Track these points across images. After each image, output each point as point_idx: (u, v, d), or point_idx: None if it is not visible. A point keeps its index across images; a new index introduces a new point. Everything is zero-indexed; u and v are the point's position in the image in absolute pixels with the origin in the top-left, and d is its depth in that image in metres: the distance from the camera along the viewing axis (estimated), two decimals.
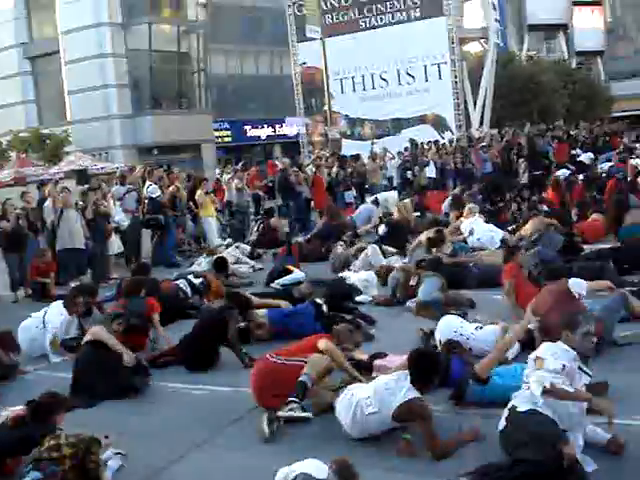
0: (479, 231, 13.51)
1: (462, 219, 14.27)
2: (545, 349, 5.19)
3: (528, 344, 6.95)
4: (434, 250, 11.74)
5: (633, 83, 61.07)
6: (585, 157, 24.04)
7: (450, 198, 17.02)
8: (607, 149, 27.24)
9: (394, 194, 19.41)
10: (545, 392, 4.92)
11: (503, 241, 12.81)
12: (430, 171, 22.30)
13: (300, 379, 6.01)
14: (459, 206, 15.51)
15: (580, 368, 5.16)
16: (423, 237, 12.52)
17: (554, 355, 5.05)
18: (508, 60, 41.00)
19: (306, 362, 6.14)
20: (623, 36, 67.53)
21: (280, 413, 5.93)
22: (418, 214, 16.54)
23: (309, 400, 6.18)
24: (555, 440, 4.72)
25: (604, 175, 18.85)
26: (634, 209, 12.90)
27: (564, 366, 4.97)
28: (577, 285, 7.58)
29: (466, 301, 9.32)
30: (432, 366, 5.56)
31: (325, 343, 6.25)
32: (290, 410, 5.93)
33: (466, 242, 13.34)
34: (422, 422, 5.30)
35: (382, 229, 14.73)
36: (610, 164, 21.44)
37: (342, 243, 13.84)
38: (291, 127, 47.24)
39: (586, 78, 50.34)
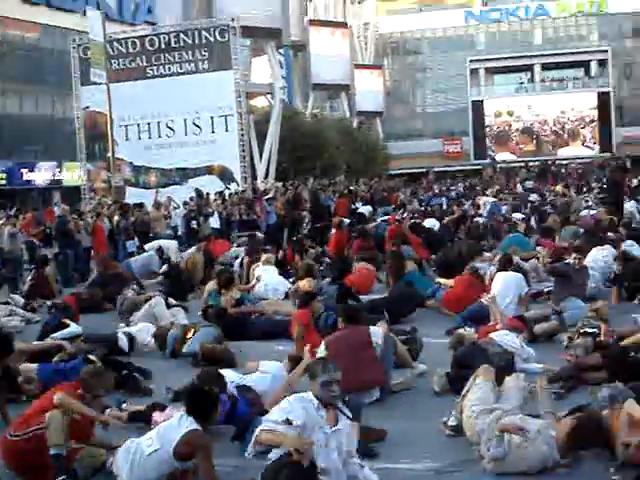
0: (268, 280, 13.59)
1: (259, 264, 14.30)
2: (284, 401, 5.45)
3: None
4: (223, 291, 11.66)
5: (408, 143, 66.18)
6: (364, 209, 25.14)
7: (247, 245, 17.21)
8: (385, 204, 28.76)
9: (174, 243, 19.15)
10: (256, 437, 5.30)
11: (287, 293, 13.00)
12: (214, 221, 22.31)
13: (52, 453, 5.56)
14: (255, 252, 15.57)
15: (340, 410, 5.37)
16: (212, 283, 12.44)
17: (284, 409, 5.30)
18: (293, 116, 42.42)
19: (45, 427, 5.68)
20: (400, 99, 72.71)
21: None
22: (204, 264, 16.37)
23: (79, 462, 5.77)
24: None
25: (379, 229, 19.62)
26: (407, 260, 13.57)
27: (288, 420, 5.18)
28: (375, 334, 7.66)
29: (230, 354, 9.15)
30: (208, 400, 5.58)
31: (58, 397, 5.79)
32: None
33: (250, 292, 13.37)
34: (201, 454, 5.25)
35: (164, 268, 14.78)
36: (386, 217, 22.52)
37: (135, 287, 13.44)
38: (38, 172, 45.05)
39: (366, 137, 53.24)
